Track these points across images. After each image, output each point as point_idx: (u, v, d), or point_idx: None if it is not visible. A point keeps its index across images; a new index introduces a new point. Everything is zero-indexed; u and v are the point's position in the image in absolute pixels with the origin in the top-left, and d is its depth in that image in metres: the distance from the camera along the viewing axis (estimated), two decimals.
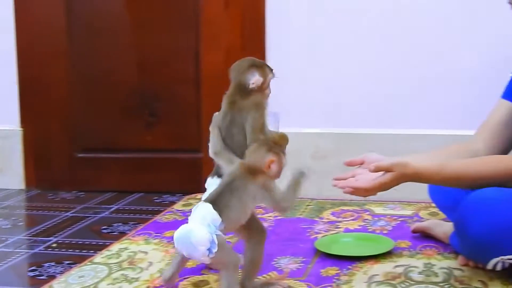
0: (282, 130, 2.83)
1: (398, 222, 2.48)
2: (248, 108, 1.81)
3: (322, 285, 1.88)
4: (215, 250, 1.58)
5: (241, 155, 1.76)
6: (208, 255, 1.59)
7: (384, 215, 2.57)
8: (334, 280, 1.92)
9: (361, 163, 1.96)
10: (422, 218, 2.49)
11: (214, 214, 1.62)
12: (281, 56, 2.92)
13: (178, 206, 2.83)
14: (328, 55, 2.90)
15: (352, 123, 2.90)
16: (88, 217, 2.73)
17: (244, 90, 1.83)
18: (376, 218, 2.53)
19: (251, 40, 2.94)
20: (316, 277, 1.94)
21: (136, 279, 1.99)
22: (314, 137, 2.89)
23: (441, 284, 1.86)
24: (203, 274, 2.01)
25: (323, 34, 2.89)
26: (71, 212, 2.82)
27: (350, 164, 1.94)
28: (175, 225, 2.49)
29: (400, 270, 1.98)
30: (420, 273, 1.95)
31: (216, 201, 1.65)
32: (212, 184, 1.88)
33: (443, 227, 2.20)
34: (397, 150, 2.76)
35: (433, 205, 2.40)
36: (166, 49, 3.04)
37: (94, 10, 3.09)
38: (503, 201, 1.73)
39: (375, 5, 2.83)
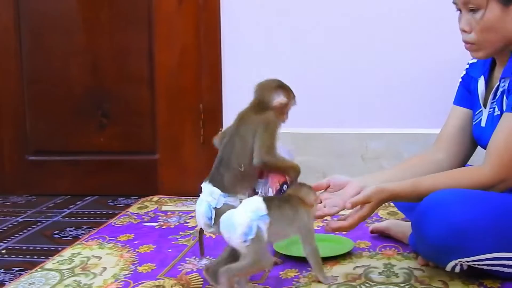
0: None
1: None
2: (257, 124, 1.80)
3: None
4: (250, 236, 1.61)
5: (238, 166, 1.77)
6: (245, 240, 1.62)
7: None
8: (294, 282, 1.87)
9: (327, 187, 1.95)
10: (381, 218, 2.47)
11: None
12: (237, 56, 2.88)
13: (133, 209, 2.76)
14: (285, 55, 2.86)
15: (310, 123, 2.87)
16: (39, 221, 2.64)
17: (261, 107, 1.84)
18: (335, 219, 2.48)
19: (206, 40, 2.89)
20: (275, 280, 1.90)
21: (89, 286, 1.91)
22: None
23: (402, 284, 1.84)
24: (159, 279, 1.94)
25: (280, 34, 2.85)
26: (22, 216, 2.73)
27: (316, 189, 1.90)
28: (130, 228, 2.46)
29: (360, 271, 1.95)
30: (380, 273, 1.92)
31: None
32: (205, 188, 1.82)
33: (402, 227, 2.19)
34: (355, 149, 2.77)
35: (392, 204, 2.38)
36: (119, 49, 2.97)
37: (44, 9, 2.99)
38: (459, 203, 1.70)
39: (335, 5, 2.80)
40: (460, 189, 1.76)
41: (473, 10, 1.81)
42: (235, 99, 2.87)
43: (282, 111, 1.87)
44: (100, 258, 2.15)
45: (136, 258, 2.13)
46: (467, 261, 1.73)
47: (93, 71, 2.99)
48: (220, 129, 2.90)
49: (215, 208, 1.77)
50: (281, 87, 1.88)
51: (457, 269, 1.76)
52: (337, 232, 1.99)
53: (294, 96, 1.90)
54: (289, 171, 1.83)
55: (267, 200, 1.69)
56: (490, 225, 1.69)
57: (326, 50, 2.82)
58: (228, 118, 2.87)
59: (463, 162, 2.11)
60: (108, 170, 3.04)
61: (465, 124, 2.08)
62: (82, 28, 2.99)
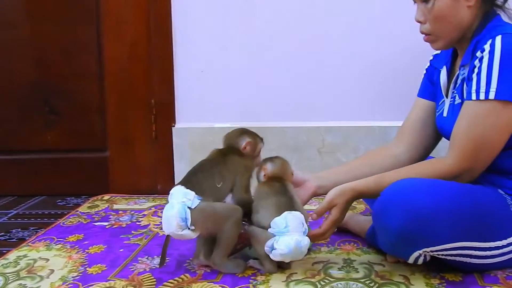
0: (194, 125, 2.78)
1: None
2: (238, 165, 1.92)
3: (238, 287, 1.77)
4: (187, 222, 1.75)
5: (217, 182, 1.85)
6: (187, 226, 1.76)
7: None
8: (251, 280, 1.81)
9: None
10: None
11: (183, 189, 1.78)
12: (189, 48, 2.79)
13: (83, 208, 2.65)
14: (238, 49, 2.78)
15: (265, 117, 2.80)
16: None
17: (236, 151, 1.95)
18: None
19: (157, 34, 2.79)
20: (231, 278, 1.83)
21: None
22: (225, 132, 2.76)
23: (362, 280, 1.79)
24: (109, 280, 1.85)
25: (233, 25, 2.77)
26: None
27: None
28: (80, 228, 2.36)
29: (319, 266, 1.90)
30: (339, 269, 1.87)
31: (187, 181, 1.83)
32: (178, 191, 1.81)
33: (359, 222, 2.15)
34: (311, 143, 2.72)
35: None
36: (66, 43, 2.85)
37: None
38: (421, 190, 1.67)
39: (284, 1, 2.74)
40: (423, 179, 1.73)
41: (426, 1, 1.82)
42: (188, 93, 2.82)
43: (252, 155, 1.97)
44: (48, 260, 2.05)
45: (86, 259, 2.04)
46: (431, 251, 1.69)
47: (39, 66, 2.87)
48: (173, 124, 2.82)
49: (189, 208, 1.78)
50: (245, 133, 1.99)
51: (420, 260, 1.73)
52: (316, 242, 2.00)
53: (261, 140, 2.02)
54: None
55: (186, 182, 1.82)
56: (453, 213, 1.65)
57: (280, 42, 2.75)
58: (181, 113, 2.82)
59: (425, 154, 2.10)
60: (56, 169, 2.92)
61: (427, 116, 2.08)
62: (26, 21, 2.86)
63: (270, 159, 1.98)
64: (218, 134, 2.70)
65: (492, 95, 1.70)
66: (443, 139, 2.01)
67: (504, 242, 1.73)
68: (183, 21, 2.79)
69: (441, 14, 1.81)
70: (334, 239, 2.11)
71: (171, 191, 1.81)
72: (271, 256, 1.80)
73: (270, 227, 1.80)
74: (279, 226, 1.78)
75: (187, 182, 1.82)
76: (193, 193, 1.78)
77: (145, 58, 2.81)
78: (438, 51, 2.02)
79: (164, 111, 2.83)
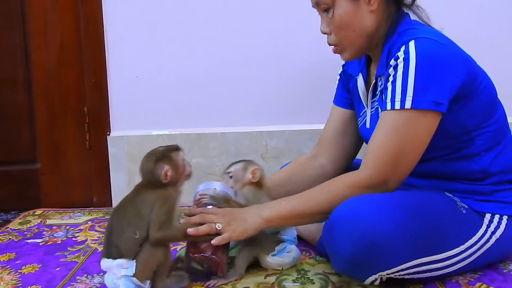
0: (130, 133, 2.67)
1: None
2: (155, 200, 1.72)
3: None
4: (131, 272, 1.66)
5: (133, 233, 1.69)
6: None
7: None
8: None
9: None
10: None
11: (111, 262, 1.68)
12: (122, 51, 2.69)
13: (13, 225, 2.51)
14: (175, 53, 2.69)
15: (204, 123, 2.72)
16: None
17: (155, 182, 1.74)
18: None
19: (88, 37, 2.67)
20: None
21: None
22: (164, 139, 2.68)
23: None
24: None
25: (168, 31, 2.68)
26: None
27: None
28: (10, 247, 2.22)
29: (272, 279, 1.82)
30: (294, 281, 1.81)
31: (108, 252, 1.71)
32: (108, 265, 1.70)
33: (311, 231, 2.07)
34: (254, 148, 2.65)
35: None
36: None
37: None
38: (370, 214, 1.58)
39: (218, 6, 2.66)
40: (369, 198, 1.64)
41: (326, 10, 1.78)
42: (123, 99, 2.71)
43: (177, 176, 1.77)
44: None
45: (19, 280, 1.91)
46: (387, 274, 1.63)
47: None
48: (108, 133, 2.71)
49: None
50: (159, 159, 1.74)
51: (377, 283, 1.67)
52: None
53: (175, 152, 1.78)
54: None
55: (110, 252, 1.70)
56: (405, 232, 1.58)
57: (217, 46, 2.67)
58: (116, 120, 2.72)
59: (347, 162, 2.10)
60: None
61: (345, 126, 2.07)
62: None
63: (252, 162, 1.95)
64: (156, 142, 2.65)
65: (408, 104, 1.63)
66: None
67: (462, 247, 1.71)
68: (115, 24, 2.68)
69: (343, 22, 1.76)
70: None
71: (104, 266, 1.70)
72: (270, 260, 1.85)
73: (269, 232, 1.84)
74: (291, 235, 1.88)
75: (109, 254, 1.70)
76: (123, 261, 1.67)
77: (75, 63, 2.69)
78: None
79: (97, 119, 2.72)
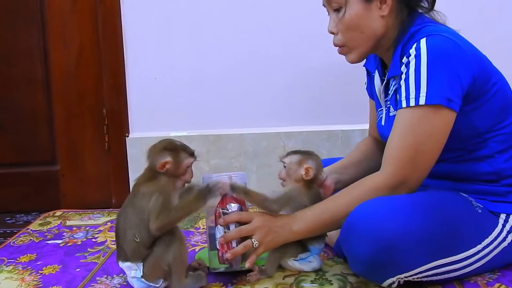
0: (149, 135, 2.69)
1: None
2: (151, 192, 1.72)
3: None
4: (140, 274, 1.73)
5: (134, 237, 1.71)
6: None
7: None
8: None
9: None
10: None
11: (124, 265, 1.75)
12: (141, 53, 2.72)
13: (34, 226, 2.55)
14: (194, 55, 2.71)
15: (223, 124, 2.74)
16: None
17: (153, 173, 1.74)
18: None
19: (106, 36, 2.70)
20: None
21: None
22: (182, 141, 2.69)
23: None
24: None
25: (187, 33, 2.70)
26: None
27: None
28: (32, 248, 2.26)
29: (290, 280, 1.84)
30: (312, 282, 1.82)
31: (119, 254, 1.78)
32: (123, 267, 1.77)
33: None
34: (272, 148, 2.66)
35: None
36: (8, 48, 2.74)
37: None
38: (387, 217, 1.59)
39: (235, 8, 2.68)
40: (386, 201, 1.64)
41: (337, 10, 1.77)
42: (142, 101, 2.73)
43: (175, 173, 1.76)
44: None
45: (40, 281, 1.94)
46: (405, 277, 1.64)
47: None
48: (127, 134, 2.74)
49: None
50: (166, 148, 1.75)
51: (395, 286, 1.68)
52: None
53: (190, 154, 1.78)
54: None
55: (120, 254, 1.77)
56: (423, 234, 1.59)
57: (233, 48, 2.69)
58: (134, 122, 2.74)
59: None
60: (2, 184, 2.81)
61: None
62: None
63: (309, 155, 1.89)
64: None
65: (422, 100, 1.63)
66: None
67: (479, 247, 1.71)
68: (133, 25, 2.71)
69: (353, 23, 1.76)
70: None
71: (120, 266, 1.78)
72: (290, 264, 1.89)
73: None
74: (319, 245, 1.88)
75: (119, 256, 1.76)
76: (130, 264, 1.73)
77: (94, 64, 2.72)
78: None
79: (116, 120, 2.75)
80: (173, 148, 1.75)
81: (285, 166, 1.90)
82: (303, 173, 1.84)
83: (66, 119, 2.76)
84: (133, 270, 1.74)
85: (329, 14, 1.83)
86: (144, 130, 2.75)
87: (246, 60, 2.70)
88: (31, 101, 2.77)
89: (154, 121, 2.74)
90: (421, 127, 1.65)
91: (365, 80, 2.12)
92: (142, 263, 1.73)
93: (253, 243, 1.73)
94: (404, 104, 1.67)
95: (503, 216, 1.77)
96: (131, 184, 2.69)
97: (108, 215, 2.65)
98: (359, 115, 2.40)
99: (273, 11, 2.66)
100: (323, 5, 1.83)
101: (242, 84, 2.72)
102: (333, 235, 2.02)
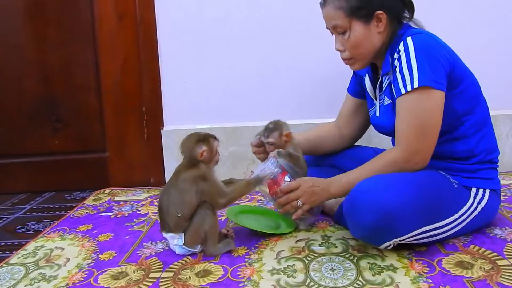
0: (179, 127, 2.53)
1: None
2: (193, 178, 1.60)
3: (237, 265, 1.55)
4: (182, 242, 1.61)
5: (176, 212, 1.58)
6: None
7: None
8: (246, 259, 1.59)
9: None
10: None
11: (167, 235, 1.63)
12: (173, 63, 2.55)
13: (89, 201, 2.38)
14: (214, 63, 2.54)
15: (239, 118, 2.57)
16: (2, 218, 2.23)
17: (192, 162, 1.61)
18: None
19: (145, 50, 2.53)
20: (229, 258, 1.61)
21: (55, 277, 1.56)
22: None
23: (342, 254, 1.60)
24: (121, 265, 1.61)
25: (209, 46, 2.53)
26: None
27: None
28: (88, 219, 2.10)
29: (302, 244, 1.69)
30: (320, 245, 1.67)
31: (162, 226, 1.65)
32: (167, 237, 1.65)
33: (330, 202, 1.91)
34: None
35: None
36: (68, 61, 2.56)
37: None
38: (387, 189, 1.47)
39: (249, 23, 2.51)
40: (386, 176, 1.53)
41: (342, 33, 1.65)
42: (174, 100, 2.58)
43: (210, 158, 1.64)
44: (63, 249, 1.79)
45: (97, 247, 1.79)
46: (399, 240, 1.51)
47: (46, 82, 2.57)
48: (162, 127, 2.58)
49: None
50: (200, 140, 1.63)
51: (390, 247, 1.55)
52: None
53: (214, 138, 1.67)
54: (247, 190, 1.70)
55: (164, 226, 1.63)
56: (415, 207, 1.47)
57: (249, 56, 2.53)
58: (168, 117, 2.59)
59: (360, 134, 2.02)
60: (63, 168, 2.63)
61: (357, 109, 1.99)
62: (31, 42, 2.55)
63: (280, 125, 1.86)
64: None
65: (416, 84, 1.53)
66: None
67: (456, 215, 1.59)
68: (167, 41, 2.53)
69: (357, 42, 1.64)
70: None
71: (164, 236, 1.66)
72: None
73: None
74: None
75: (162, 228, 1.63)
76: (173, 234, 1.61)
77: (136, 72, 2.55)
78: None
79: (154, 116, 2.58)
80: (204, 138, 1.64)
81: (271, 144, 1.83)
82: (287, 139, 1.84)
83: (114, 116, 2.59)
84: (175, 239, 1.61)
85: (332, 34, 1.71)
86: (176, 123, 2.59)
87: (259, 67, 2.54)
88: (86, 102, 2.60)
89: (184, 116, 2.58)
90: (420, 106, 1.54)
91: (349, 83, 2.01)
92: (183, 233, 1.58)
93: (297, 203, 1.68)
94: (403, 91, 1.56)
95: (474, 190, 1.65)
96: (166, 167, 2.58)
97: (148, 192, 2.48)
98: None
99: (281, 29, 2.50)
100: (327, 28, 1.70)
101: (255, 86, 2.55)
102: (333, 205, 1.88)
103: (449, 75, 1.57)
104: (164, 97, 2.57)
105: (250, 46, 2.53)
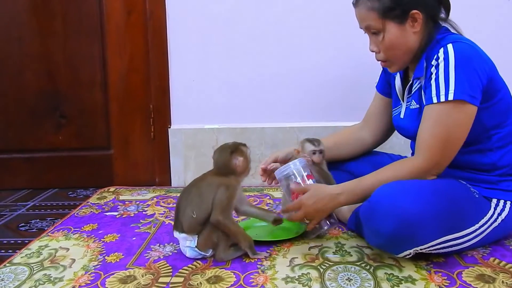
0: (187, 127, 2.49)
1: None
2: (218, 185, 1.56)
3: (249, 272, 1.50)
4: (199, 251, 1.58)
5: (192, 213, 1.55)
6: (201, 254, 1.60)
7: None
8: (258, 266, 1.55)
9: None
10: None
11: (179, 235, 1.59)
12: (182, 60, 2.50)
13: (93, 199, 2.33)
14: (223, 62, 2.49)
15: (247, 119, 2.52)
16: (3, 215, 2.17)
17: (224, 171, 1.59)
18: (277, 202, 2.18)
19: (154, 46, 2.48)
20: (240, 264, 1.56)
21: (60, 279, 1.51)
22: (214, 132, 2.50)
23: (358, 263, 1.54)
24: (128, 268, 1.56)
25: (218, 44, 2.48)
26: None
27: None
28: (93, 218, 2.05)
29: (315, 251, 1.64)
30: (334, 253, 1.62)
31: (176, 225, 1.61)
32: (178, 237, 1.61)
33: (341, 210, 1.86)
34: (287, 140, 2.48)
35: None
36: (74, 56, 2.50)
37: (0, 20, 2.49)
38: (408, 197, 1.41)
39: (257, 25, 2.46)
40: (406, 183, 1.47)
41: (376, 33, 1.59)
42: (182, 99, 2.53)
43: (245, 167, 1.62)
44: (68, 249, 1.74)
45: (103, 248, 1.73)
46: (420, 249, 1.47)
47: (51, 77, 2.52)
48: (169, 126, 2.53)
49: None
50: (235, 151, 1.60)
51: (409, 256, 1.50)
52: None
53: (245, 148, 1.64)
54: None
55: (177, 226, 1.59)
56: (436, 215, 1.42)
57: (257, 57, 2.48)
58: (175, 116, 2.54)
59: (384, 139, 1.94)
60: (66, 165, 2.58)
61: (384, 108, 1.90)
62: (37, 37, 2.49)
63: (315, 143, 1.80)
64: (208, 134, 2.49)
65: (451, 96, 1.47)
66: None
67: (476, 226, 1.54)
68: (177, 38, 2.48)
69: (392, 43, 1.58)
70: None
71: (175, 236, 1.61)
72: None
73: None
74: None
75: (176, 227, 1.58)
76: (187, 236, 1.56)
77: (144, 69, 2.50)
78: None
79: (160, 114, 2.52)
80: (237, 149, 1.62)
81: (320, 152, 1.78)
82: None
83: (119, 113, 2.54)
84: (188, 241, 1.57)
85: (365, 32, 1.64)
86: (183, 122, 2.54)
87: (269, 67, 2.48)
88: (92, 98, 2.54)
89: (191, 115, 2.53)
90: (450, 119, 1.49)
91: (377, 80, 1.93)
92: (197, 236, 1.54)
93: (305, 220, 1.63)
94: (434, 100, 1.50)
95: (494, 200, 1.60)
96: (172, 167, 2.53)
97: (153, 191, 2.43)
98: (358, 115, 2.18)
99: (292, 29, 2.45)
100: (361, 28, 1.64)
101: (263, 87, 2.50)
102: (346, 212, 1.83)
103: (485, 89, 1.52)
104: (172, 95, 2.52)
105: (261, 46, 2.48)
